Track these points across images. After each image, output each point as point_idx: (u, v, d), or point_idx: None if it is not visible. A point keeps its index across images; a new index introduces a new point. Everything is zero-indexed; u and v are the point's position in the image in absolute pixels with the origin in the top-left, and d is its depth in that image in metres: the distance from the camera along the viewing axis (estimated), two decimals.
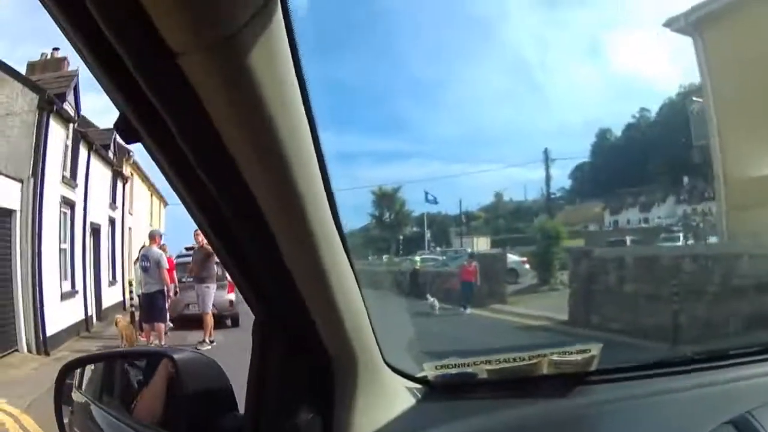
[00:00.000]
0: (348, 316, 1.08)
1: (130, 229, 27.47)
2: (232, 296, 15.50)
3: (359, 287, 1.11)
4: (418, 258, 22.06)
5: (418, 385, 1.43)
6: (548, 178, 37.18)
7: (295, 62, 0.77)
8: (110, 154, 23.06)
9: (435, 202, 42.00)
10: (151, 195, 34.20)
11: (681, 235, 27.80)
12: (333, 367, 1.15)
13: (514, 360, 1.40)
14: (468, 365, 1.42)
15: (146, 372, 1.64)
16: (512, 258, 20.08)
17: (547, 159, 36.79)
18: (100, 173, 20.99)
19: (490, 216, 49.05)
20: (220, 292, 14.81)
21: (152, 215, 34.61)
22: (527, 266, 20.51)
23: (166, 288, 13.18)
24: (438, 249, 38.43)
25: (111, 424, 1.74)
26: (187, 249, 21.03)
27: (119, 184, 25.87)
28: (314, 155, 0.86)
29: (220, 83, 0.70)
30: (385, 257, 36.40)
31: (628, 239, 22.96)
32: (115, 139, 22.76)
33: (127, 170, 26.58)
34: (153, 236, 13.69)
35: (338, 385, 1.16)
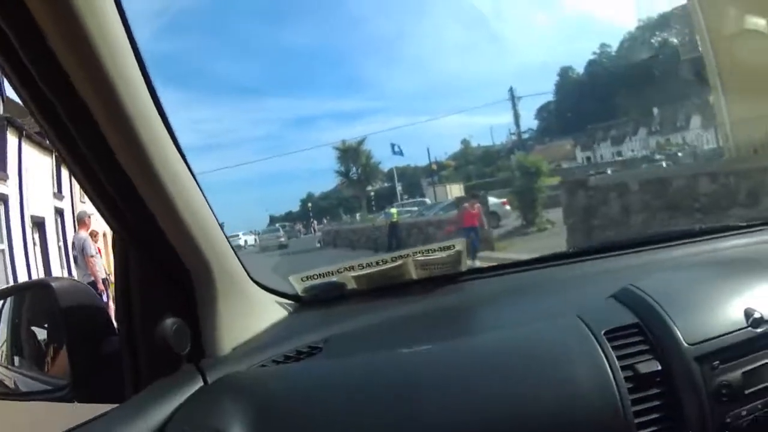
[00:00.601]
0: (195, 227, 1.08)
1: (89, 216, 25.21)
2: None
3: (209, 206, 1.13)
4: (394, 210, 20.44)
5: (289, 301, 1.46)
6: (516, 117, 37.22)
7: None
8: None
9: (401, 153, 41.29)
10: None
11: (664, 163, 27.13)
12: (193, 279, 1.15)
13: (377, 263, 1.44)
14: (332, 273, 1.45)
15: (12, 311, 1.49)
16: (491, 200, 18.67)
17: (513, 97, 36.23)
18: (37, 161, 18.78)
19: (460, 163, 48.72)
20: None
21: None
22: (508, 207, 19.25)
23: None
24: (411, 200, 37.30)
25: None
26: None
27: (65, 171, 23.59)
28: (141, 79, 0.90)
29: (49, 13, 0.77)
30: (358, 215, 35.32)
31: (609, 171, 21.44)
32: None
33: None
34: (81, 219, 10.98)
35: (200, 296, 1.16)
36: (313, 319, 1.39)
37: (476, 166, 51.12)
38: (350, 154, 42.11)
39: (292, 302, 1.46)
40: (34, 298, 1.44)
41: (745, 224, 1.60)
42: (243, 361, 1.15)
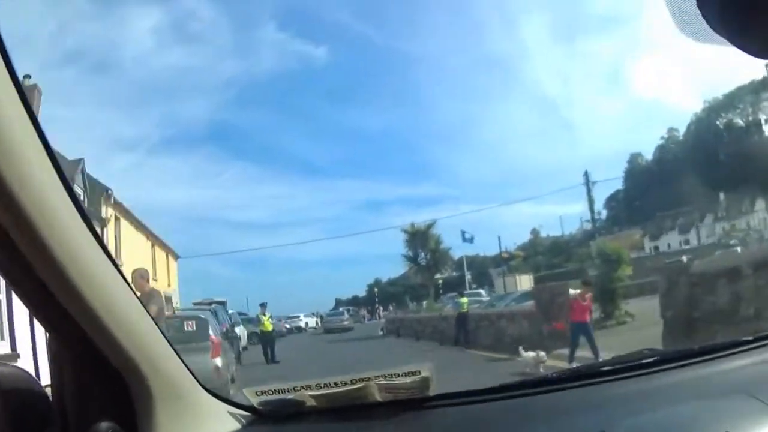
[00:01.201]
0: (118, 328, 1.02)
1: None
2: (218, 361, 11.71)
3: (141, 305, 1.11)
4: (464, 300, 18.78)
5: (244, 412, 1.40)
6: (591, 203, 36.23)
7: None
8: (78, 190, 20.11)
9: (471, 240, 40.58)
10: (152, 245, 30.69)
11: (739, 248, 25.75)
12: (127, 383, 1.11)
13: (336, 384, 1.37)
14: (288, 390, 1.39)
15: None
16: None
17: (588, 182, 35.24)
18: None
19: (529, 253, 47.93)
20: (197, 357, 11.24)
21: (156, 268, 30.28)
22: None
23: None
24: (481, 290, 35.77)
25: None
26: (195, 304, 19.67)
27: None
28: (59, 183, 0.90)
29: None
30: (424, 303, 33.41)
31: (685, 258, 19.71)
32: (84, 173, 20.59)
33: (107, 212, 23.05)
34: None
35: (137, 402, 1.12)
36: None
37: (545, 257, 49.97)
38: (419, 238, 40.60)
39: (248, 414, 1.40)
40: None
41: None
42: None
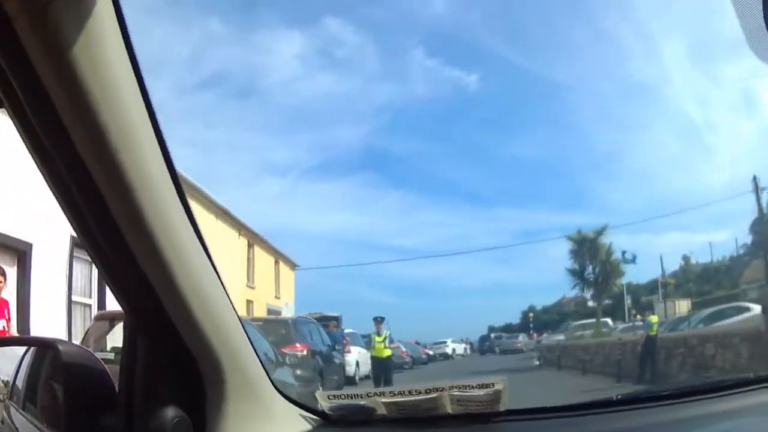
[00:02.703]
0: (206, 319, 1.03)
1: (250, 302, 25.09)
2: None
3: (228, 299, 1.10)
4: (654, 318, 15.14)
5: (314, 416, 1.38)
6: (761, 210, 31.70)
7: (125, 37, 0.81)
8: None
9: (633, 260, 36.60)
10: (276, 261, 30.13)
11: None
12: (202, 374, 1.10)
13: (410, 393, 1.33)
14: (361, 396, 1.37)
15: (32, 361, 1.56)
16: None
17: (756, 188, 30.80)
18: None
19: (679, 280, 44.60)
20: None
21: (278, 282, 30.42)
22: None
23: None
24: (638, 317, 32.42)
25: None
26: (300, 316, 18.18)
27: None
28: (165, 170, 0.90)
29: (44, 47, 0.74)
30: (589, 329, 28.67)
31: None
32: None
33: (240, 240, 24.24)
34: None
35: (209, 393, 1.11)
36: None
37: (696, 283, 46.74)
38: (586, 248, 34.04)
39: (317, 419, 1.38)
40: (43, 355, 1.39)
41: None
42: None
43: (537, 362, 22.80)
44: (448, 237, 64.58)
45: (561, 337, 28.49)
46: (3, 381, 1.69)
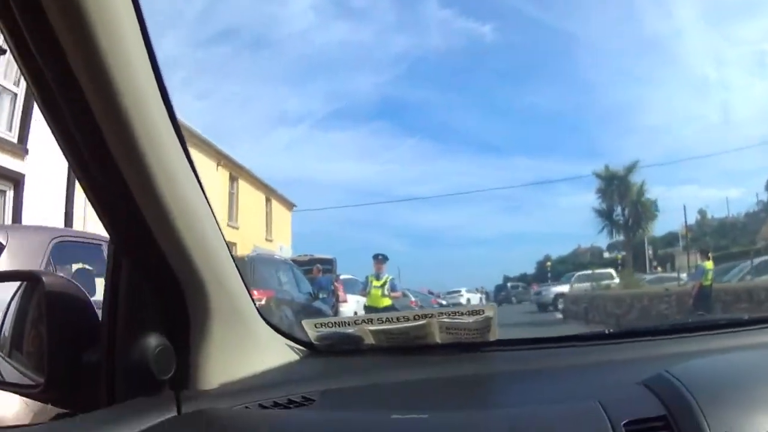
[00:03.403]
0: (193, 243, 1.00)
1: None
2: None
3: (216, 224, 1.07)
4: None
5: (300, 347, 1.36)
6: None
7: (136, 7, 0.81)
8: None
9: (656, 209, 34.91)
10: (267, 199, 26.74)
11: None
12: (187, 301, 1.07)
13: (398, 320, 1.31)
14: (348, 324, 1.35)
15: (19, 303, 1.41)
16: None
17: None
18: None
19: (696, 234, 44.02)
20: None
21: (269, 222, 27.12)
22: None
23: None
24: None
25: None
26: (293, 260, 15.34)
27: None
28: (150, 84, 0.86)
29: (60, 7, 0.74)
30: (614, 279, 26.00)
31: None
32: None
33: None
34: None
35: (194, 321, 1.08)
36: (319, 369, 1.31)
37: (713, 237, 45.89)
38: (615, 186, 30.34)
39: (303, 349, 1.36)
40: (26, 288, 1.35)
41: None
42: (226, 399, 1.06)
43: (559, 316, 20.85)
44: (464, 185, 65.82)
45: (562, 288, 26.09)
46: None
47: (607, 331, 1.61)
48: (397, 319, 1.30)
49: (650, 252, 35.58)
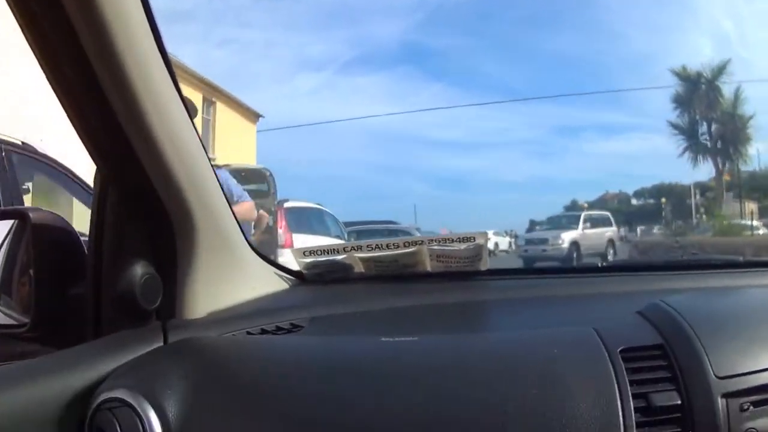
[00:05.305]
0: (181, 169, 0.98)
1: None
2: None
3: (205, 152, 1.04)
4: None
5: (289, 276, 1.34)
6: None
7: None
8: None
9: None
10: (203, 99, 18.90)
11: None
12: (174, 228, 1.04)
13: (389, 247, 1.29)
14: (338, 251, 1.32)
15: (9, 245, 1.35)
16: None
17: None
18: None
19: (727, 185, 41.83)
20: None
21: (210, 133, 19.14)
22: None
23: None
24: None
25: None
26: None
27: None
28: (147, 25, 0.85)
29: None
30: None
31: None
32: None
33: None
34: None
35: (180, 249, 1.05)
36: (308, 297, 1.28)
37: (744, 189, 43.70)
38: (701, 91, 20.11)
39: (292, 278, 1.34)
40: (17, 228, 1.28)
41: None
42: (213, 328, 1.04)
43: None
44: (490, 130, 63.72)
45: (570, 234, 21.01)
46: None
47: (600, 264, 1.71)
48: (387, 246, 1.28)
49: (697, 197, 31.96)
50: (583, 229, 20.90)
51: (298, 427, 0.79)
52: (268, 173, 9.20)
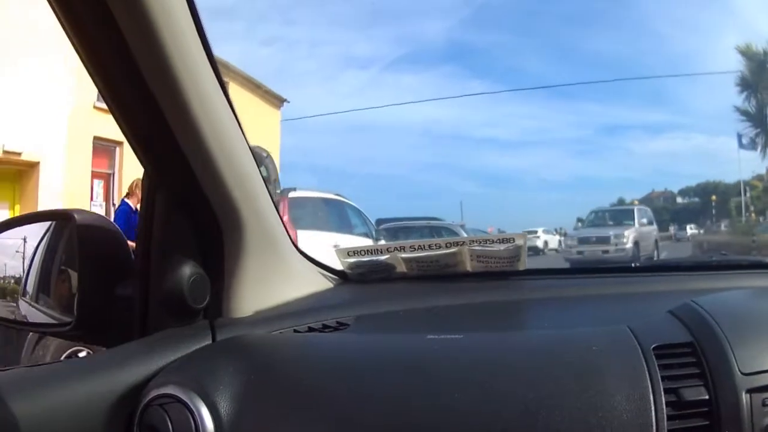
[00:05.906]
0: (230, 174, 0.99)
1: None
2: None
3: (252, 156, 1.05)
4: None
5: (333, 275, 1.36)
6: None
7: None
8: None
9: (752, 147, 28.79)
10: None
11: None
12: (222, 230, 1.06)
13: (430, 247, 1.31)
14: (381, 252, 1.34)
15: (48, 244, 1.33)
16: None
17: None
18: None
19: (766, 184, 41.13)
20: None
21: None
22: None
23: None
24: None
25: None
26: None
27: None
28: (194, 29, 0.86)
29: None
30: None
31: None
32: None
33: None
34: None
35: (228, 250, 1.06)
36: (352, 296, 1.30)
37: None
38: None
39: (336, 278, 1.36)
40: (56, 229, 1.27)
41: None
42: (260, 326, 1.04)
43: None
44: (535, 128, 63.55)
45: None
46: (14, 278, 1.33)
47: (633, 265, 1.67)
48: (429, 246, 1.30)
49: (747, 196, 29.75)
50: (639, 226, 18.82)
51: (350, 425, 0.80)
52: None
